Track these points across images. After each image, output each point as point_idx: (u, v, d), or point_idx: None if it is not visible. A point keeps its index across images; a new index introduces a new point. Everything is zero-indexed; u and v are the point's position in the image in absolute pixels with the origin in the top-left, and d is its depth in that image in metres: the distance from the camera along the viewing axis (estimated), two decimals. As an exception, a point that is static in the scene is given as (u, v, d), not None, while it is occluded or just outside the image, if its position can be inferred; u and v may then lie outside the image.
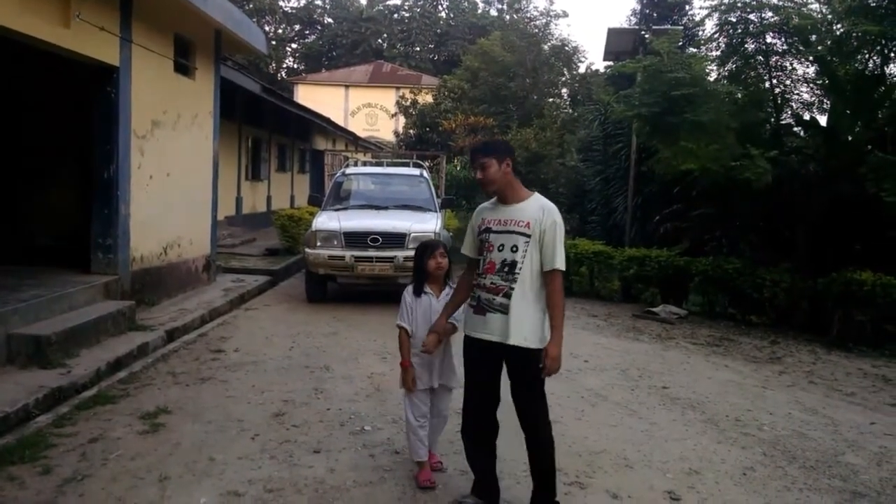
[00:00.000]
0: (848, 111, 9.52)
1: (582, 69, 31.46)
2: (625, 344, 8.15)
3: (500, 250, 3.49)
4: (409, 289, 3.98)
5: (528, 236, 3.45)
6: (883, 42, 8.99)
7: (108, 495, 3.68)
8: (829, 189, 9.15)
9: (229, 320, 8.38)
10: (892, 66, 9.85)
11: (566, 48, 30.28)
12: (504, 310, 3.44)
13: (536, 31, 30.37)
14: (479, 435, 3.69)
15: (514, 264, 3.45)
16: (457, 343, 3.85)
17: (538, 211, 3.49)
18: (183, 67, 9.07)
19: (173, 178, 8.78)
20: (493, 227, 3.55)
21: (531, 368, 3.43)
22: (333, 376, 6.12)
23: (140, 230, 7.93)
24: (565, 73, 31.03)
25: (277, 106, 18.07)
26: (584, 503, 3.87)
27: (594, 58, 78.10)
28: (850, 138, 9.40)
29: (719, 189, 9.84)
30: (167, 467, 4.03)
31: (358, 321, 8.58)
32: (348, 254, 9.15)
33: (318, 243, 9.31)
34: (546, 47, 29.64)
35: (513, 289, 3.44)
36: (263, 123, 19.12)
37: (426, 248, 4.00)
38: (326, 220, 9.68)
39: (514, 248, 3.46)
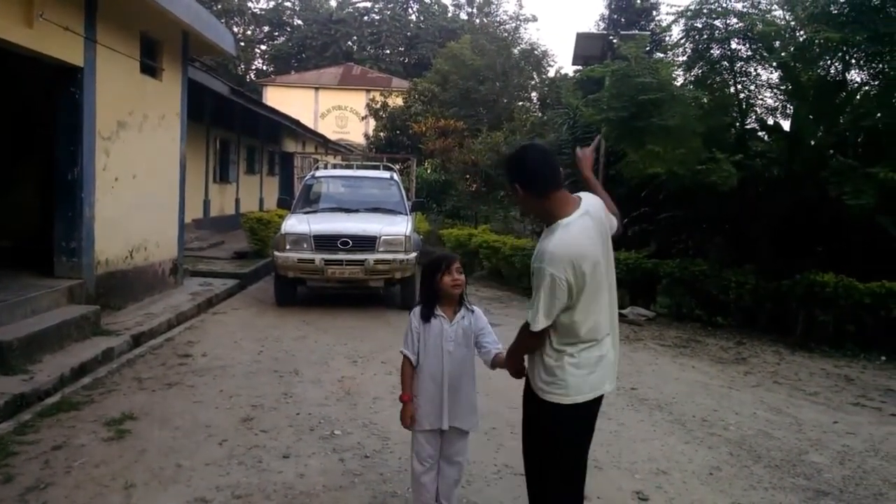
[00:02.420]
0: (810, 116, 9.70)
1: (551, 73, 31.73)
2: (594, 346, 8.20)
3: None
4: (416, 311, 3.34)
5: None
6: (844, 49, 9.18)
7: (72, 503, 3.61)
8: (793, 192, 9.32)
9: (197, 324, 8.28)
10: (853, 72, 10.05)
11: (536, 52, 30.54)
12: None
13: (506, 34, 30.64)
14: None
15: None
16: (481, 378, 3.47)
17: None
18: (149, 68, 8.95)
19: (139, 179, 8.65)
20: None
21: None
22: (303, 380, 6.08)
23: (105, 233, 7.81)
24: (535, 76, 31.27)
25: (246, 108, 17.91)
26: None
27: (563, 62, 78.85)
28: (812, 143, 9.59)
29: (686, 192, 9.97)
30: (133, 474, 3.97)
31: (328, 325, 8.54)
32: (318, 257, 9.10)
33: (288, 246, 9.25)
34: (516, 51, 29.86)
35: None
36: (232, 125, 18.94)
37: (439, 262, 3.29)
38: (296, 223, 9.62)
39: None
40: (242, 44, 50.41)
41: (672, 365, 7.47)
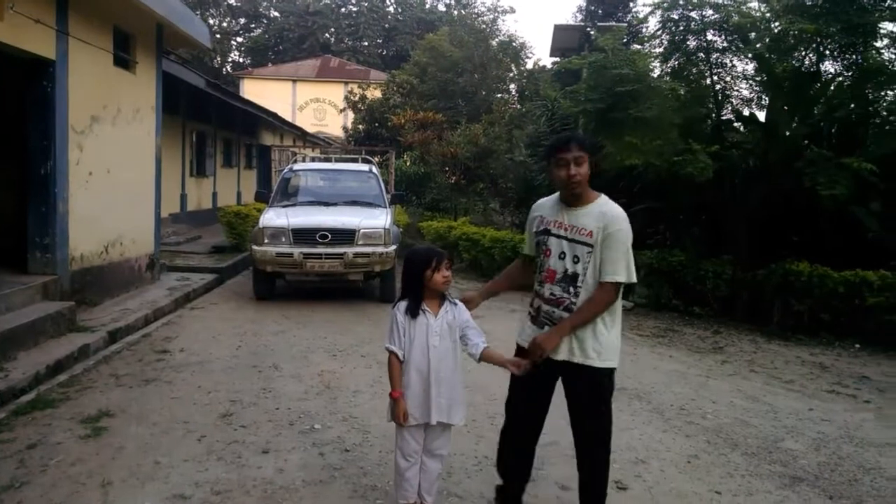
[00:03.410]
0: (785, 107, 9.79)
1: (529, 65, 31.69)
2: (573, 337, 8.25)
3: (560, 258, 3.26)
4: (401, 306, 3.29)
5: (591, 246, 3.18)
6: (818, 40, 9.28)
7: (48, 502, 3.57)
8: (768, 183, 9.41)
9: (174, 320, 8.21)
10: (827, 63, 10.16)
11: (514, 44, 30.45)
12: None
13: (484, 26, 30.49)
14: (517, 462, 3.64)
15: (575, 276, 3.22)
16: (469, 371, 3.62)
17: (600, 218, 3.20)
18: (123, 61, 8.83)
19: (114, 174, 8.54)
20: (553, 230, 3.30)
21: (599, 388, 3.28)
22: (282, 375, 6.05)
23: (79, 228, 7.70)
24: (513, 68, 31.22)
25: (222, 101, 17.75)
26: (533, 495, 3.91)
27: (541, 54, 78.76)
28: (787, 133, 9.67)
29: (663, 183, 10.03)
30: (110, 472, 3.93)
31: (307, 319, 8.50)
32: (297, 251, 9.05)
33: (266, 240, 9.19)
34: (494, 43, 29.76)
35: (574, 303, 3.22)
36: (208, 118, 18.77)
37: (429, 258, 3.23)
38: (274, 217, 9.56)
39: (577, 259, 3.22)
40: (218, 36, 49.93)
41: (650, 355, 7.54)
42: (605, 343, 3.22)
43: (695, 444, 4.85)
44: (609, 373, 3.27)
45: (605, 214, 3.20)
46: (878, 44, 9.86)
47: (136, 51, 9.17)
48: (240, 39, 56.94)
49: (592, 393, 3.27)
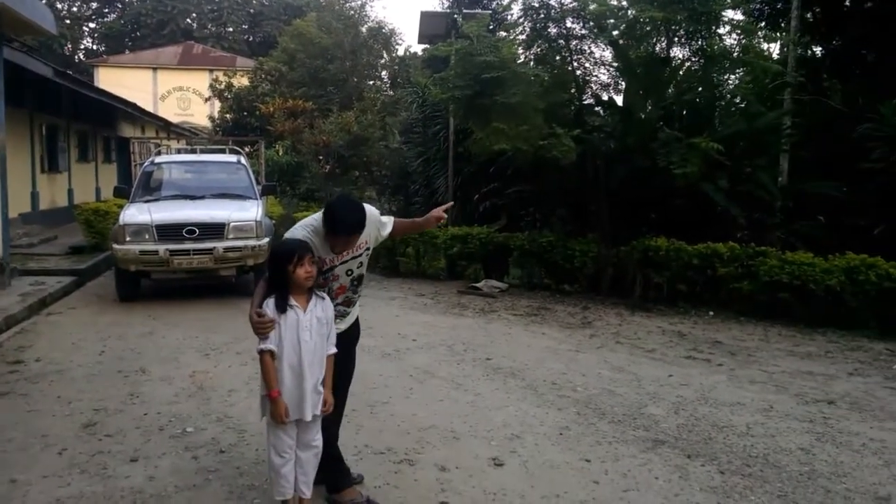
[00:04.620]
0: (640, 91, 10.32)
1: (401, 52, 31.71)
2: (451, 320, 8.41)
3: (348, 274, 3.63)
4: (269, 303, 3.22)
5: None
6: (667, 27, 9.85)
7: None
8: (627, 164, 9.88)
9: (28, 328, 7.68)
10: (676, 49, 10.82)
11: (383, 30, 30.34)
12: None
13: (353, 12, 30.10)
14: None
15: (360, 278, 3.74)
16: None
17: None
18: (-46, 50, 8.10)
19: (-50, 174, 7.85)
20: (337, 263, 3.55)
21: None
22: (151, 379, 5.80)
23: (-88, 234, 7.03)
24: (384, 55, 31.12)
25: (75, 91, 16.60)
26: (413, 479, 3.98)
27: (411, 40, 78.84)
28: (642, 116, 10.21)
29: (531, 167, 10.33)
30: (-41, 496, 3.65)
31: (177, 318, 8.17)
32: (162, 248, 8.67)
33: (128, 238, 8.74)
34: (364, 29, 29.52)
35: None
36: (60, 110, 17.53)
37: (291, 253, 3.21)
38: (136, 213, 9.10)
39: (360, 265, 3.69)
40: (68, 21, 46.65)
41: (524, 333, 7.79)
42: None
43: (566, 416, 5.08)
44: None
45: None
46: (721, 31, 10.62)
47: (-30, 38, 8.43)
48: (92, 25, 53.39)
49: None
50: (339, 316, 3.63)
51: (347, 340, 3.71)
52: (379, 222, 3.71)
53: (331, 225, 3.34)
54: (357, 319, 3.84)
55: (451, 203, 3.70)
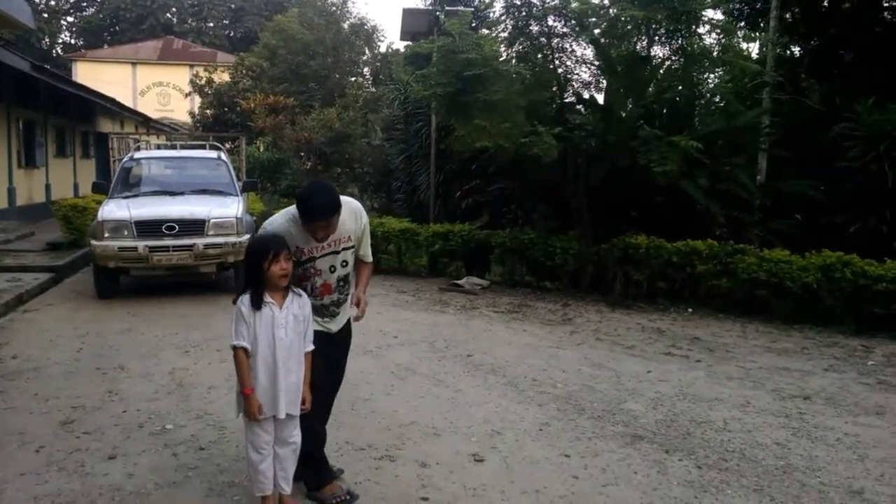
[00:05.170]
0: (621, 89, 10.37)
1: (383, 48, 31.65)
2: (432, 317, 8.42)
3: (332, 271, 3.60)
4: (245, 299, 3.24)
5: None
6: (648, 26, 9.89)
7: None
8: (608, 161, 9.92)
9: (4, 325, 7.59)
10: (656, 47, 10.88)
11: (366, 27, 30.26)
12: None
13: (334, 8, 29.99)
14: None
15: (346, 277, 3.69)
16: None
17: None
18: (-72, 43, 7.98)
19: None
20: (317, 255, 3.52)
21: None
22: (130, 375, 5.77)
23: None
24: (366, 51, 31.03)
25: (52, 85, 16.42)
26: (394, 475, 3.99)
27: (393, 37, 78.74)
28: (623, 114, 10.25)
29: (512, 164, 10.35)
30: (-67, 495, 3.61)
31: (156, 315, 8.12)
32: (141, 244, 8.60)
33: (106, 234, 8.66)
34: (345, 25, 29.43)
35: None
36: (37, 105, 17.33)
37: (266, 249, 3.21)
38: (115, 209, 9.02)
39: (345, 263, 3.65)
40: (45, 15, 46.04)
41: (505, 330, 7.82)
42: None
43: (546, 412, 5.11)
44: None
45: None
46: (701, 30, 10.70)
47: (-55, 31, 8.31)
48: (71, 19, 52.72)
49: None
50: (329, 316, 3.66)
51: (341, 342, 3.76)
52: (361, 219, 3.68)
53: (304, 210, 3.32)
54: (349, 321, 3.82)
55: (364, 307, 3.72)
